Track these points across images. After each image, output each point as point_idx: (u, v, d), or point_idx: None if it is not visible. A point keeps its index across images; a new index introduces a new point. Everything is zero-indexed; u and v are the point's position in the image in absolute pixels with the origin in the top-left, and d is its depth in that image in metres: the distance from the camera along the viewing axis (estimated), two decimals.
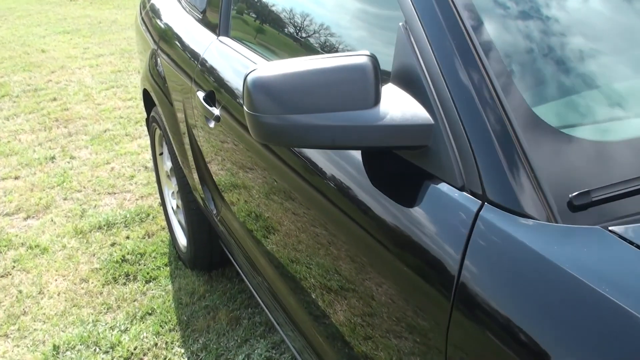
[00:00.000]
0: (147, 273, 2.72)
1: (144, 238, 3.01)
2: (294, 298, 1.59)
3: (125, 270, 2.74)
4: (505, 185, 0.91)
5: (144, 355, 2.26)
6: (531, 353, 0.79)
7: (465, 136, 0.97)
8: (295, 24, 1.68)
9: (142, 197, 3.44)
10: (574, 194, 0.87)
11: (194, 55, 2.11)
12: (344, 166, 1.23)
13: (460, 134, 0.97)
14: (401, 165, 1.09)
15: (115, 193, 3.51)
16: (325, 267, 1.32)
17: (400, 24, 1.13)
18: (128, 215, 3.20)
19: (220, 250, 2.48)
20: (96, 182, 3.62)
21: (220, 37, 2.03)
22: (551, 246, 0.82)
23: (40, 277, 2.72)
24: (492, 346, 0.85)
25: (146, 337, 2.33)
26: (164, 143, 2.79)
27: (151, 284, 2.66)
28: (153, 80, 2.61)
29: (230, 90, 1.77)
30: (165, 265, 2.79)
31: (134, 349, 2.27)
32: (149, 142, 4.13)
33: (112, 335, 2.34)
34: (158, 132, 2.84)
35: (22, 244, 3.00)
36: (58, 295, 2.60)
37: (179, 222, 2.80)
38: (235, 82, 1.75)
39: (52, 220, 3.21)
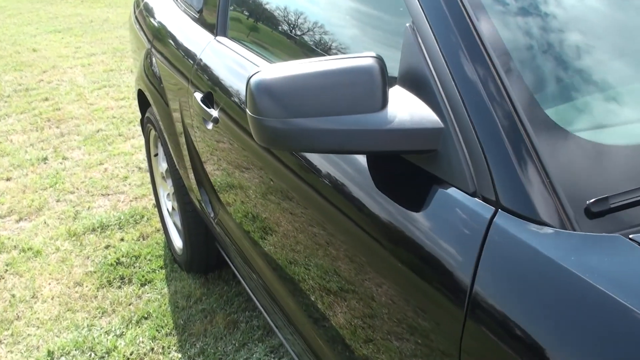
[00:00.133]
0: (143, 276, 2.68)
1: (139, 240, 2.97)
2: (292, 300, 1.56)
3: (120, 273, 2.70)
4: (520, 191, 0.88)
5: None
6: None
7: (477, 140, 0.94)
8: (297, 24, 1.64)
9: (136, 198, 3.40)
10: (592, 200, 0.84)
11: (191, 56, 2.08)
12: (345, 168, 1.20)
13: (471, 137, 0.94)
14: (408, 168, 1.06)
15: (108, 194, 3.46)
16: (325, 269, 1.30)
17: (407, 24, 1.10)
18: (122, 217, 3.15)
19: (216, 252, 2.45)
20: (89, 184, 3.58)
21: (218, 37, 1.99)
22: (570, 255, 0.79)
23: (34, 281, 2.68)
24: (507, 357, 0.82)
25: (142, 342, 2.29)
26: (159, 144, 2.75)
27: (147, 287, 2.62)
28: (148, 80, 2.57)
29: (228, 92, 1.73)
30: (161, 268, 2.75)
31: (130, 354, 2.23)
32: (142, 142, 4.10)
33: (107, 340, 2.30)
34: (153, 133, 2.80)
35: (15, 246, 2.95)
36: (52, 299, 2.56)
37: (175, 224, 2.76)
38: (235, 84, 1.72)
39: (45, 223, 3.16)
